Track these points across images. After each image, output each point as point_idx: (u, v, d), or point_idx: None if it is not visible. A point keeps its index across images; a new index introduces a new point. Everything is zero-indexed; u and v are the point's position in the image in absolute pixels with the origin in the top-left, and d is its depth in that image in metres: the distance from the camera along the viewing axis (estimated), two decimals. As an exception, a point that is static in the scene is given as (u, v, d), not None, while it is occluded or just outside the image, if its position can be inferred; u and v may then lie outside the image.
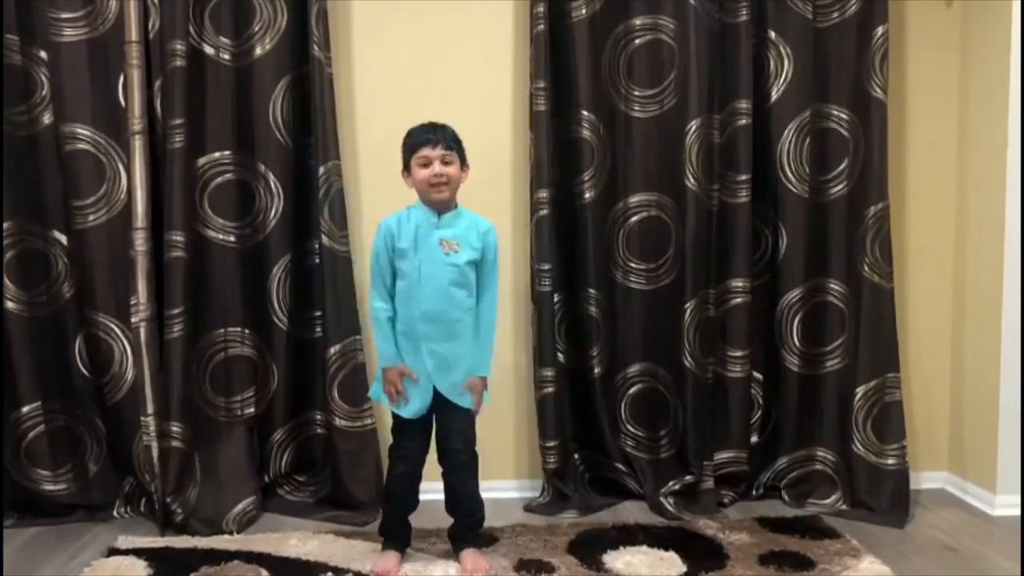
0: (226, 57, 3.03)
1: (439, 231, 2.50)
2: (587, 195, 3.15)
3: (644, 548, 2.74)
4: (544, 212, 3.08)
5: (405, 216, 2.53)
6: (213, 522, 2.95)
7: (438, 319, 2.48)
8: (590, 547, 2.75)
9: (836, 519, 3.03)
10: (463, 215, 2.56)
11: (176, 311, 2.96)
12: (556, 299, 3.16)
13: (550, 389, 3.13)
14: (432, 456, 2.62)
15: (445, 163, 2.47)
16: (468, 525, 2.66)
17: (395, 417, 2.59)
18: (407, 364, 2.51)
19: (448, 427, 2.57)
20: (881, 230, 3.10)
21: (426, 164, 2.47)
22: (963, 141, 3.28)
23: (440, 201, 2.49)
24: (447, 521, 2.75)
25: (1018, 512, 3.01)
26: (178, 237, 2.95)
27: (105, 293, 3.06)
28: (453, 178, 2.49)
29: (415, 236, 2.49)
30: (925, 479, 3.35)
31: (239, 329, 3.11)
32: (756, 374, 3.27)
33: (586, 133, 3.13)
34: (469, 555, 2.62)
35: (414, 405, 2.53)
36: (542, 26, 3.03)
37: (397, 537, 2.66)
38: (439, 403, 2.56)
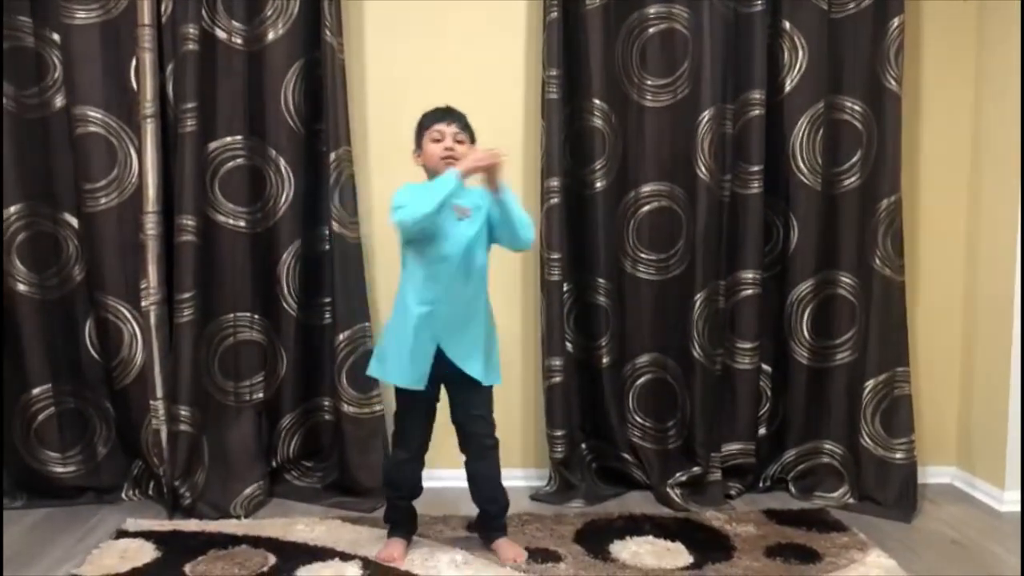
0: (238, 42, 3.03)
1: (453, 199, 2.45)
2: (598, 184, 3.14)
3: (650, 538, 2.74)
4: (555, 201, 3.07)
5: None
6: (221, 506, 2.96)
7: (455, 277, 2.44)
8: (597, 537, 2.76)
9: (843, 512, 3.03)
10: (471, 188, 2.52)
11: (186, 295, 2.96)
12: (565, 288, 3.15)
13: (558, 378, 3.13)
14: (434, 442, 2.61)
15: (457, 141, 2.50)
16: (497, 514, 2.65)
17: (399, 400, 2.56)
18: (417, 338, 2.43)
19: (468, 412, 2.54)
20: (893, 223, 3.08)
21: (438, 139, 2.50)
22: (977, 135, 3.25)
23: None
24: (453, 508, 2.77)
25: (1026, 508, 3.02)
26: (189, 221, 2.95)
27: (115, 276, 3.06)
28: (463, 155, 2.50)
29: None
30: (933, 474, 3.35)
31: (248, 314, 3.11)
32: (765, 366, 3.26)
33: (598, 122, 3.12)
34: (505, 544, 2.62)
35: (414, 370, 2.44)
36: (555, 13, 3.02)
37: (402, 525, 2.66)
38: (455, 384, 2.52)
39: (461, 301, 2.46)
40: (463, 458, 2.59)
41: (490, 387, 2.56)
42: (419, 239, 2.45)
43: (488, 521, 2.66)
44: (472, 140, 2.56)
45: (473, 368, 2.48)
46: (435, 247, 2.45)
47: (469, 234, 2.47)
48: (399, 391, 2.55)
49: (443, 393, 2.57)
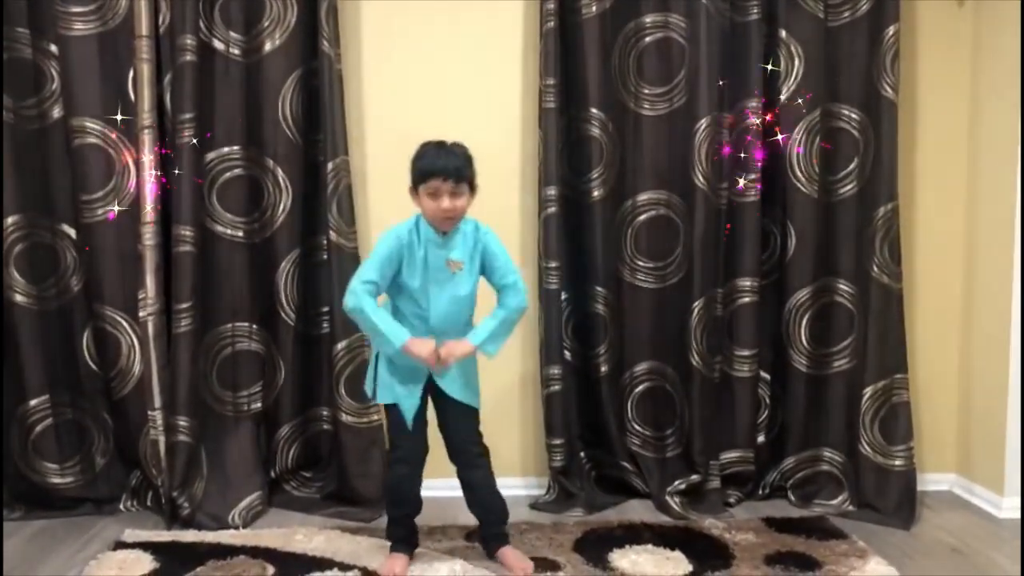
0: (236, 52, 3.03)
1: (444, 252, 2.45)
2: (596, 193, 3.15)
3: (650, 547, 2.74)
4: (552, 210, 3.08)
5: (414, 227, 2.45)
6: (219, 517, 2.96)
7: (444, 332, 2.46)
8: (596, 545, 2.75)
9: (842, 520, 3.02)
10: (460, 229, 2.48)
11: (184, 305, 2.96)
12: (563, 297, 3.16)
13: (557, 387, 3.13)
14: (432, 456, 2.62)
15: (454, 195, 2.39)
16: (496, 522, 2.66)
17: (390, 419, 2.57)
18: (408, 376, 2.49)
19: (456, 427, 2.56)
20: (890, 230, 3.09)
21: (435, 195, 2.39)
22: (974, 142, 3.26)
23: (446, 229, 2.46)
24: (451, 518, 2.75)
25: (1026, 515, 3.01)
26: (187, 232, 2.95)
27: (113, 287, 3.06)
28: (460, 210, 2.42)
29: (425, 255, 2.44)
30: (932, 481, 3.35)
31: (247, 324, 3.11)
32: (763, 374, 3.26)
33: (595, 131, 3.13)
34: (511, 553, 2.62)
35: (410, 403, 2.49)
36: (552, 23, 3.03)
37: (404, 539, 2.65)
38: (442, 402, 2.55)
39: (451, 336, 2.47)
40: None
41: (472, 406, 2.58)
42: (402, 287, 2.46)
43: (489, 530, 2.66)
44: (472, 180, 2.44)
45: (464, 395, 2.53)
46: (423, 303, 2.46)
47: (458, 292, 2.46)
48: (389, 410, 2.56)
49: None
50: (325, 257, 3.12)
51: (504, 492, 3.15)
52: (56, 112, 3.03)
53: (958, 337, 3.34)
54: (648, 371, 3.25)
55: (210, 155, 3.03)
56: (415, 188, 2.45)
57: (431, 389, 2.53)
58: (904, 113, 3.15)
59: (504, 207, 3.22)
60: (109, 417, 3.15)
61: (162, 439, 2.99)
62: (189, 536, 2.85)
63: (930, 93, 3.27)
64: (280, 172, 3.09)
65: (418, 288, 2.44)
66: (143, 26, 2.93)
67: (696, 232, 3.10)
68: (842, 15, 3.11)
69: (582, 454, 3.25)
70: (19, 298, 3.02)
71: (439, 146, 2.43)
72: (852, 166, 3.15)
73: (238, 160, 3.06)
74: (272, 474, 3.20)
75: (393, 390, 2.51)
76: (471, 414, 2.58)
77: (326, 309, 3.15)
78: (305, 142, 3.11)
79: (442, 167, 2.37)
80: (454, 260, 2.45)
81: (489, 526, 2.66)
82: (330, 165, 3.02)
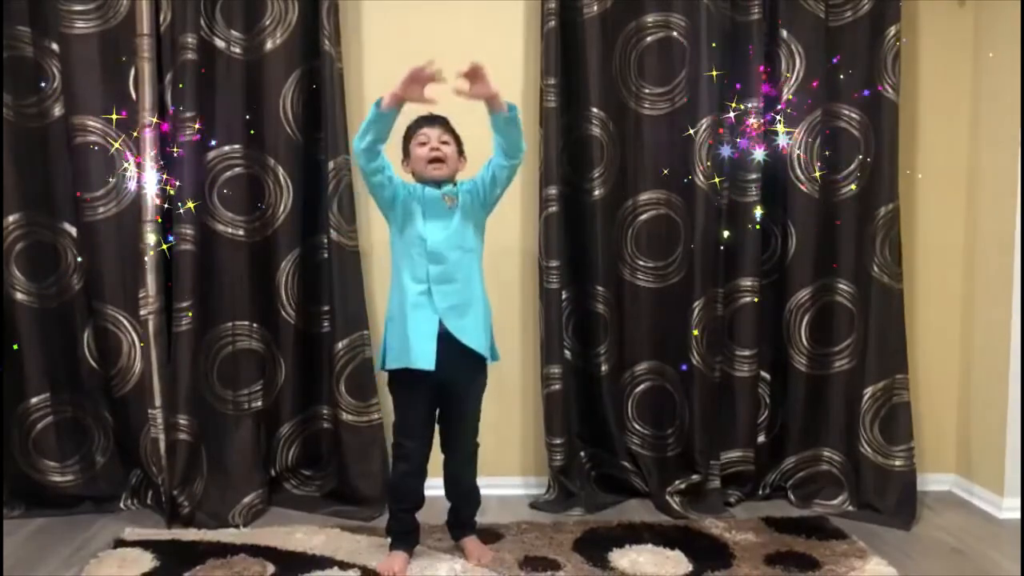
0: (237, 51, 3.03)
1: (441, 189, 2.53)
2: (596, 192, 3.15)
3: (650, 547, 2.74)
4: (553, 209, 3.08)
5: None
6: (219, 515, 2.96)
7: (444, 258, 2.47)
8: (596, 545, 2.75)
9: (842, 520, 3.02)
10: (450, 184, 2.58)
11: (184, 304, 2.96)
12: (564, 296, 3.16)
13: (557, 386, 3.13)
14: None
15: (443, 142, 2.53)
16: (471, 513, 2.70)
17: (397, 412, 2.58)
18: (417, 317, 2.45)
19: (460, 418, 2.58)
20: (891, 231, 3.09)
21: (424, 143, 2.52)
22: (974, 142, 3.26)
23: (439, 178, 2.52)
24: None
25: (1026, 515, 3.01)
26: (187, 230, 2.95)
27: (114, 285, 3.06)
28: (450, 157, 2.54)
29: (422, 193, 2.52)
30: (932, 481, 3.34)
31: (247, 323, 3.11)
32: (764, 374, 3.26)
33: (596, 130, 3.13)
34: (473, 543, 2.67)
35: (420, 349, 2.44)
36: (553, 23, 3.03)
37: (405, 537, 2.64)
38: (450, 380, 2.51)
39: (457, 279, 2.49)
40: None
41: (482, 390, 2.59)
42: (402, 223, 2.51)
43: (463, 520, 2.70)
44: (459, 143, 2.58)
45: (477, 343, 2.50)
46: (422, 230, 2.48)
47: (456, 229, 2.50)
48: (397, 396, 2.56)
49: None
50: (326, 256, 3.12)
51: (504, 491, 3.17)
52: (57, 110, 3.03)
53: (958, 337, 3.34)
54: (648, 370, 3.25)
55: (211, 154, 3.03)
56: (407, 154, 2.57)
57: (440, 374, 2.47)
58: (905, 113, 3.15)
59: (504, 206, 3.20)
60: (109, 415, 3.15)
61: (162, 437, 2.99)
62: (189, 534, 2.85)
63: (931, 93, 3.27)
64: (281, 171, 3.09)
65: (417, 214, 2.49)
66: (144, 24, 2.93)
67: (696, 232, 3.10)
68: (843, 15, 3.11)
69: (582, 453, 3.25)
70: (20, 296, 3.02)
71: (425, 114, 2.58)
72: (853, 166, 3.15)
73: (239, 159, 3.06)
74: (272, 473, 3.20)
75: (406, 350, 2.46)
76: (478, 401, 2.59)
77: (327, 308, 3.15)
78: (306, 141, 3.11)
79: (429, 118, 2.56)
80: (449, 194, 2.52)
81: (461, 514, 2.69)
82: (331, 164, 3.02)
